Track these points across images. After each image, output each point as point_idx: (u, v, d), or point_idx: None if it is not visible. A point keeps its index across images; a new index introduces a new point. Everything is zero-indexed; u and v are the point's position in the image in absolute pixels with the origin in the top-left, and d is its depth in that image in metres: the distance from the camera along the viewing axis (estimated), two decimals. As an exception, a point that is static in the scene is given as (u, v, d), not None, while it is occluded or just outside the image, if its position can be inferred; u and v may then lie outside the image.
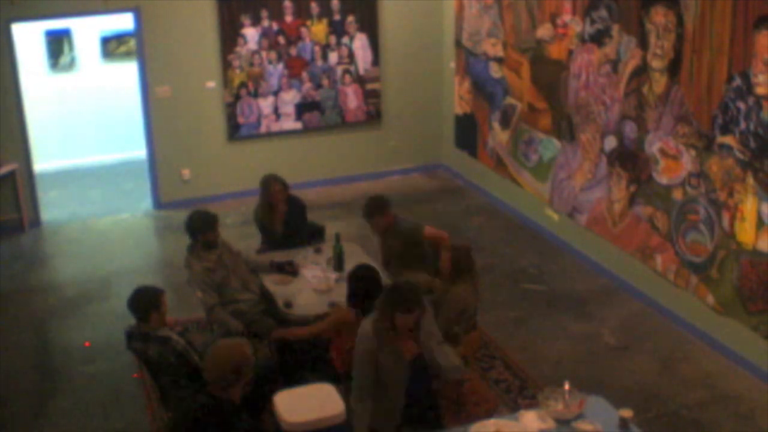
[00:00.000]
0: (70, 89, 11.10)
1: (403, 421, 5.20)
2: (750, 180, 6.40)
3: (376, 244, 7.11)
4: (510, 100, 9.25)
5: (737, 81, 6.40)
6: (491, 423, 4.84)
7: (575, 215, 8.44)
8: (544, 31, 8.53)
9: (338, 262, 6.76)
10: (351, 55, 10.12)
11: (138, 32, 9.48)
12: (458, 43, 10.02)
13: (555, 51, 8.41)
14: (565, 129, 8.44)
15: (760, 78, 6.20)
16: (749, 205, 6.44)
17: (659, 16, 7.05)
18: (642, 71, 7.32)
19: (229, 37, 9.63)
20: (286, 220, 7.26)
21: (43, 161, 10.59)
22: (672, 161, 7.12)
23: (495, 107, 9.51)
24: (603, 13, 7.69)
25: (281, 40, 9.82)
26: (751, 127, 6.33)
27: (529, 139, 9.02)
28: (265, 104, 9.95)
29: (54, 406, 6.45)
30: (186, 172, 9.91)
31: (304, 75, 10.00)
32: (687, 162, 6.97)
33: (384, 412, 5.16)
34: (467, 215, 9.48)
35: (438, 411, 5.38)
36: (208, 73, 9.70)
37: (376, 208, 6.81)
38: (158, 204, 9.93)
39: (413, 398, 5.18)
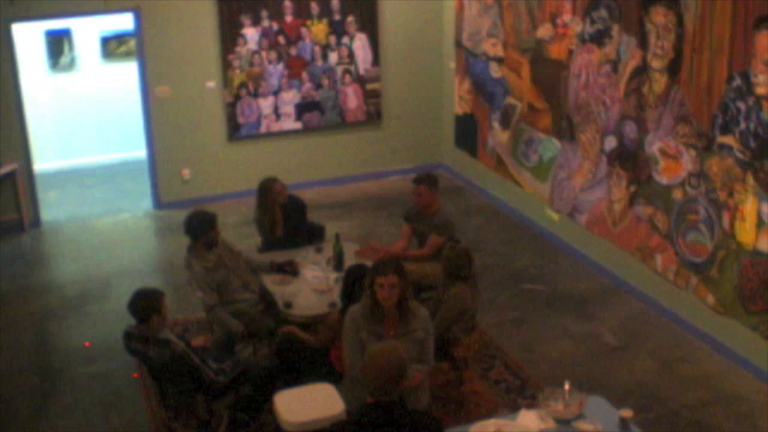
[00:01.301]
0: (70, 89, 11.09)
1: None
2: (750, 180, 6.40)
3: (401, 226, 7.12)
4: (510, 100, 9.25)
5: (737, 81, 6.40)
6: (491, 423, 4.84)
7: (575, 215, 8.44)
8: (544, 31, 8.53)
9: (338, 262, 6.77)
10: (351, 55, 10.12)
11: (138, 32, 9.48)
12: (458, 43, 10.02)
13: (555, 51, 8.41)
14: (565, 129, 8.44)
15: (760, 78, 6.20)
16: (749, 205, 6.44)
17: (659, 16, 7.05)
18: (642, 71, 7.32)
19: (229, 37, 9.63)
20: (286, 221, 7.26)
21: (43, 161, 10.61)
22: (672, 161, 7.12)
23: (495, 107, 9.51)
24: (603, 13, 7.69)
25: (281, 40, 9.82)
26: (751, 127, 6.33)
27: (529, 139, 9.02)
28: (265, 104, 9.95)
29: (54, 406, 6.45)
30: (186, 172, 9.91)
31: (304, 75, 10.00)
32: (687, 162, 6.97)
33: (362, 393, 5.14)
34: (467, 215, 9.48)
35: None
36: (208, 73, 9.70)
37: (431, 178, 7.06)
38: (158, 204, 9.93)
39: None
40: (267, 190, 7.20)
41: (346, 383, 5.26)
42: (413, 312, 5.13)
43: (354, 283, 5.65)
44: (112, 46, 11.15)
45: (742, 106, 6.38)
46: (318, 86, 10.08)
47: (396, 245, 7.18)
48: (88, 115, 11.23)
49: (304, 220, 7.48)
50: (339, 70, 10.11)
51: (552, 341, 7.13)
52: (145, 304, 5.50)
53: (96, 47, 11.12)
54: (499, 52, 9.31)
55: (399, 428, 4.16)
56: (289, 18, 9.79)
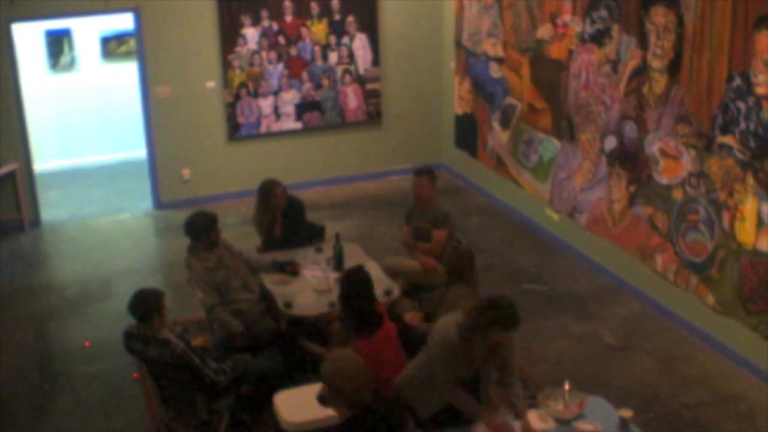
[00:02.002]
0: (70, 89, 11.10)
1: (436, 414, 5.13)
2: (750, 180, 6.40)
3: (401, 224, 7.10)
4: (510, 100, 9.25)
5: (737, 81, 6.40)
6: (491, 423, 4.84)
7: (575, 215, 8.44)
8: (544, 31, 8.53)
9: (338, 262, 6.77)
10: (351, 55, 10.12)
11: (138, 32, 9.48)
12: (458, 43, 10.02)
13: (555, 51, 8.41)
14: (565, 129, 8.44)
15: (760, 78, 6.20)
16: (749, 205, 6.44)
17: (659, 16, 7.05)
18: (642, 71, 7.32)
19: (229, 37, 9.63)
20: (284, 222, 7.26)
21: (43, 161, 10.60)
22: (672, 161, 7.12)
23: (495, 107, 9.51)
24: (603, 13, 7.70)
25: (281, 40, 9.82)
26: (751, 127, 6.33)
27: (529, 139, 9.02)
28: (265, 104, 9.95)
29: (54, 406, 6.45)
30: (186, 172, 9.91)
31: (304, 75, 10.00)
32: (687, 162, 6.97)
33: (429, 397, 5.11)
34: (467, 215, 9.48)
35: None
36: (208, 73, 9.70)
37: (431, 171, 7.11)
38: (158, 204, 9.93)
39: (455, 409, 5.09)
40: (268, 193, 7.19)
41: (416, 375, 5.17)
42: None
43: (354, 288, 5.54)
44: (112, 46, 11.16)
45: (742, 106, 6.38)
46: (318, 86, 10.08)
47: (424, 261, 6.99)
48: (88, 115, 11.23)
49: (303, 221, 7.48)
50: (339, 70, 10.11)
51: (552, 341, 7.13)
52: (145, 304, 5.50)
53: (96, 47, 11.13)
54: (499, 52, 9.31)
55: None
56: (289, 18, 9.79)
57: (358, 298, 5.47)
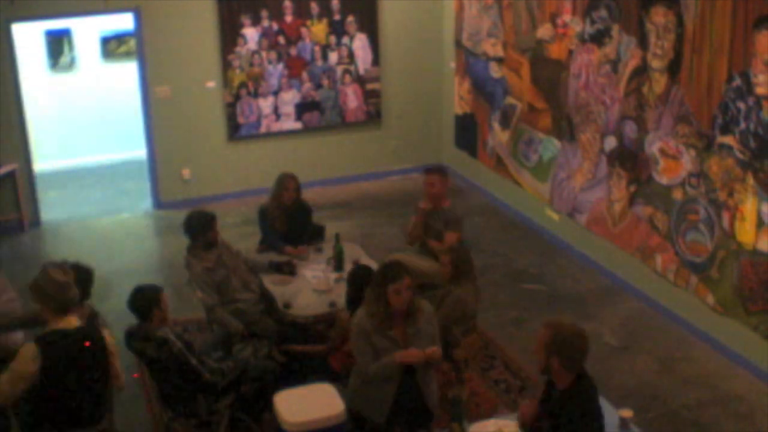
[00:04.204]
0: (70, 89, 11.09)
1: (392, 413, 5.18)
2: (750, 180, 6.40)
3: (411, 218, 7.06)
4: (510, 100, 9.25)
5: (737, 81, 6.40)
6: (491, 423, 4.84)
7: (575, 215, 8.44)
8: (544, 31, 8.53)
9: (338, 262, 6.77)
10: (351, 55, 10.12)
11: (138, 32, 9.48)
12: (458, 43, 10.02)
13: (555, 51, 8.41)
14: (565, 129, 8.44)
15: (760, 78, 6.20)
16: (749, 205, 6.44)
17: (659, 16, 7.05)
18: (642, 71, 7.32)
19: (229, 37, 9.63)
20: (290, 222, 7.23)
21: (43, 161, 10.60)
22: (672, 161, 7.12)
23: (495, 107, 9.51)
24: (603, 13, 7.70)
25: (281, 40, 9.82)
26: (751, 127, 6.34)
27: (529, 139, 9.02)
28: (265, 104, 9.95)
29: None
30: (186, 172, 9.91)
31: (304, 75, 10.00)
32: (687, 162, 6.97)
33: (374, 398, 5.17)
34: (467, 215, 9.44)
35: (429, 414, 5.33)
36: (208, 73, 9.70)
37: (443, 169, 7.09)
38: (158, 204, 9.93)
39: (405, 392, 5.17)
40: (281, 183, 7.19)
41: (354, 384, 5.26)
42: (418, 308, 5.16)
43: (362, 287, 5.55)
44: (112, 46, 11.16)
45: (742, 106, 6.38)
46: (318, 86, 10.08)
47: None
48: (88, 115, 11.23)
49: (308, 225, 7.45)
50: (339, 70, 10.11)
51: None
52: (145, 300, 5.50)
53: (96, 47, 11.13)
54: (499, 52, 9.31)
55: None
56: (289, 18, 9.79)
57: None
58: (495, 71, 9.42)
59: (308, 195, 8.83)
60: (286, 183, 7.17)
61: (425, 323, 5.17)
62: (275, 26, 9.75)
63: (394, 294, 5.01)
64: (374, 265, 6.71)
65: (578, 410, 4.39)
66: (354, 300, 5.64)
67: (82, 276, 5.35)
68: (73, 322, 4.69)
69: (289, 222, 7.22)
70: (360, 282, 5.63)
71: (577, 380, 4.43)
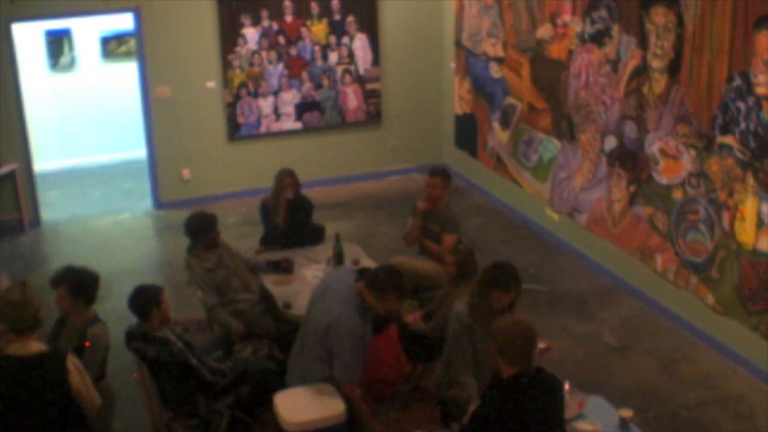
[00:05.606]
0: (70, 89, 11.09)
1: None
2: (750, 180, 6.40)
3: (409, 220, 7.05)
4: (510, 100, 9.25)
5: (737, 81, 6.40)
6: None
7: (575, 215, 8.44)
8: (544, 31, 8.53)
9: (338, 262, 6.76)
10: (351, 55, 10.12)
11: (138, 32, 9.48)
12: (458, 43, 10.02)
13: (555, 51, 8.41)
14: (565, 129, 8.44)
15: (760, 78, 6.20)
16: (749, 205, 6.44)
17: (659, 16, 7.05)
18: (642, 71, 7.32)
19: (229, 37, 9.63)
20: (291, 216, 7.24)
21: (43, 161, 10.60)
22: (672, 161, 7.12)
23: (495, 107, 9.52)
24: (603, 13, 7.70)
25: (281, 40, 9.82)
26: (751, 127, 6.34)
27: (529, 139, 9.02)
28: (265, 104, 9.95)
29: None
30: (186, 172, 9.91)
31: (304, 75, 10.00)
32: (687, 162, 6.97)
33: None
34: (467, 215, 9.47)
35: None
36: (208, 73, 9.70)
37: (446, 173, 7.02)
38: (158, 204, 9.93)
39: None
40: (279, 177, 7.25)
41: (442, 377, 5.18)
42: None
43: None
44: (112, 46, 11.16)
45: (742, 106, 6.38)
46: (318, 86, 10.08)
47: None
48: (88, 115, 11.23)
49: (309, 219, 7.46)
50: (339, 70, 10.11)
51: (552, 341, 7.10)
52: (145, 300, 5.51)
53: (96, 47, 11.13)
54: (499, 52, 9.31)
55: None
56: (289, 18, 9.79)
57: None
58: (495, 71, 9.42)
59: (308, 195, 8.83)
60: (286, 178, 7.20)
61: None
62: (275, 26, 9.75)
63: (497, 300, 4.92)
64: (373, 265, 6.72)
65: (489, 402, 4.23)
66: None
67: (88, 281, 5.36)
68: (31, 346, 4.41)
69: (291, 216, 7.23)
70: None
71: (515, 376, 4.19)
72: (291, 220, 7.23)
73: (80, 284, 5.27)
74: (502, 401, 4.17)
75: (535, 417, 4.18)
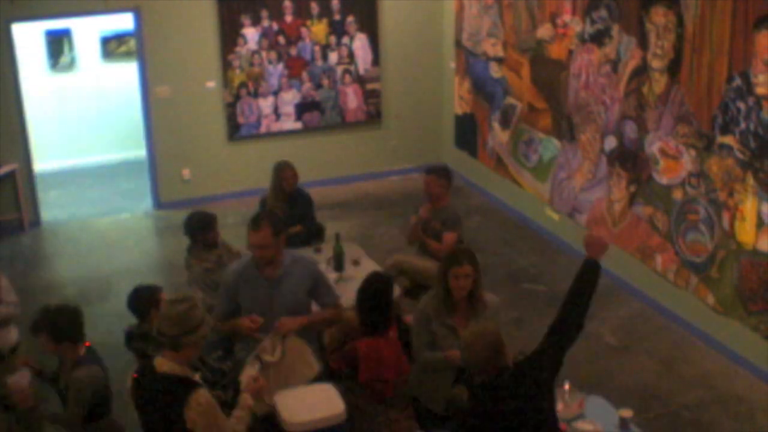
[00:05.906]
0: (70, 89, 11.10)
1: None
2: (750, 180, 6.40)
3: (410, 218, 7.03)
4: (510, 100, 9.25)
5: (737, 81, 6.40)
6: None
7: (575, 215, 8.44)
8: (544, 31, 8.53)
9: (338, 262, 6.76)
10: (351, 55, 10.12)
11: (138, 32, 9.48)
12: (458, 43, 10.02)
13: (555, 51, 8.41)
14: (565, 129, 8.44)
15: (760, 78, 6.20)
16: (749, 205, 6.44)
17: (659, 16, 7.05)
18: (642, 71, 7.32)
19: (229, 37, 9.63)
20: (291, 209, 7.23)
21: (43, 161, 10.60)
22: (672, 161, 7.12)
23: (495, 107, 9.51)
24: (603, 13, 7.69)
25: (281, 40, 9.82)
26: (751, 127, 6.33)
27: (529, 139, 9.02)
28: (265, 104, 9.95)
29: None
30: (186, 172, 9.91)
31: (304, 75, 10.00)
32: (687, 162, 6.97)
33: (431, 387, 5.17)
34: (467, 215, 9.46)
35: None
36: (208, 73, 9.70)
37: (441, 170, 6.99)
38: (158, 204, 9.93)
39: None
40: (277, 170, 7.28)
41: (414, 371, 5.27)
42: (483, 301, 5.12)
43: (375, 296, 5.36)
44: (112, 46, 11.16)
45: (742, 106, 6.38)
46: (318, 86, 10.08)
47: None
48: (88, 115, 11.23)
49: (309, 214, 7.44)
50: (339, 70, 10.11)
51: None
52: (143, 300, 5.50)
53: (96, 47, 11.13)
54: (499, 52, 9.31)
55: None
56: (289, 18, 9.79)
57: (377, 307, 5.36)
58: (495, 71, 9.42)
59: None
60: (284, 170, 7.22)
61: (490, 318, 5.07)
62: (275, 26, 9.75)
63: (453, 278, 4.99)
64: (373, 265, 6.72)
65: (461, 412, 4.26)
66: (367, 309, 5.37)
67: (67, 322, 5.02)
68: (169, 365, 4.28)
69: (290, 210, 7.23)
70: (374, 290, 5.38)
71: (482, 385, 4.16)
72: (290, 212, 7.23)
73: (60, 329, 4.96)
74: (473, 408, 4.18)
75: (510, 420, 4.17)
